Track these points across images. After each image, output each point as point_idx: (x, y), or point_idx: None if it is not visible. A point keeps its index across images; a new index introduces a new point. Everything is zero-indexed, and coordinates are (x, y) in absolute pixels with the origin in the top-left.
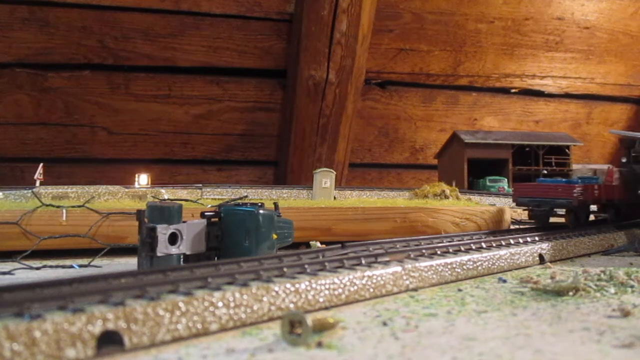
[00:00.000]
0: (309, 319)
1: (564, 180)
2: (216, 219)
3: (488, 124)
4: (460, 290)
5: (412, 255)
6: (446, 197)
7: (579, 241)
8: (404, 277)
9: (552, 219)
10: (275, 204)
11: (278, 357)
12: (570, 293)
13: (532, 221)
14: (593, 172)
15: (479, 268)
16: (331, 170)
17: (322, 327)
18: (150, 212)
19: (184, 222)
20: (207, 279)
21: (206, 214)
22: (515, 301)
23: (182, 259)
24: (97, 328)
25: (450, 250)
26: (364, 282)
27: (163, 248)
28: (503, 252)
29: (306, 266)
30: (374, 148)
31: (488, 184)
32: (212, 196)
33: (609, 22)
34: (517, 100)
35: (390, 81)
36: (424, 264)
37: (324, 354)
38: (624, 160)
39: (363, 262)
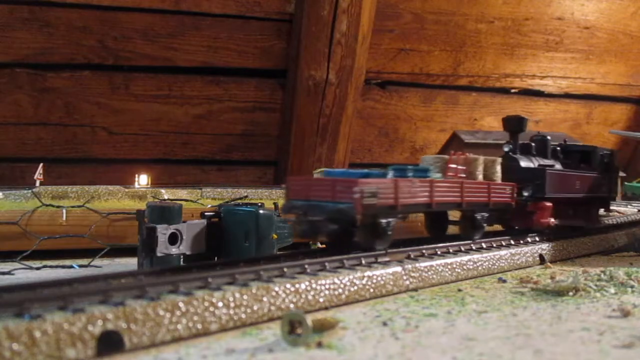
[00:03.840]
0: (309, 319)
1: (360, 171)
2: (216, 219)
3: (488, 124)
4: (460, 290)
5: (412, 255)
6: None
7: (579, 241)
8: (404, 277)
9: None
10: (275, 204)
11: (278, 357)
12: (570, 293)
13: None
14: (443, 162)
15: (479, 268)
16: None
17: (322, 327)
18: (150, 212)
19: (184, 222)
20: (207, 279)
21: (206, 214)
22: (515, 301)
23: (182, 259)
24: (97, 328)
25: (450, 250)
26: (364, 282)
27: (163, 248)
28: (503, 252)
29: (306, 266)
30: (374, 148)
31: None
32: (212, 196)
33: (609, 22)
34: (517, 100)
35: (390, 81)
36: (424, 264)
37: (324, 354)
38: (506, 149)
39: (363, 262)
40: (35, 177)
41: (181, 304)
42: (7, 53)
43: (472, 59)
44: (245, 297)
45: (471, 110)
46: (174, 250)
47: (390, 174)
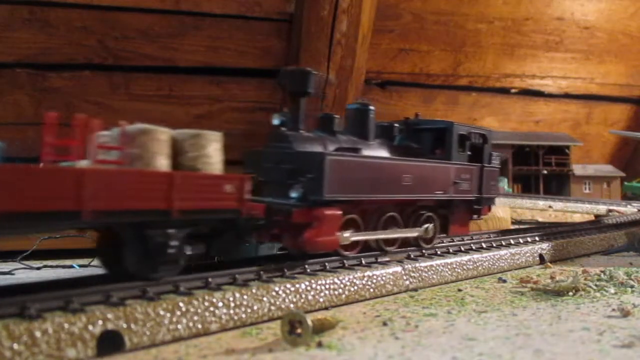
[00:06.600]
0: (309, 319)
1: None
2: None
3: (488, 124)
4: (460, 290)
5: (412, 255)
6: None
7: (579, 241)
8: (404, 277)
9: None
10: None
11: (278, 357)
12: (570, 293)
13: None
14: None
15: (479, 268)
16: None
17: (322, 327)
18: None
19: None
20: (207, 279)
21: None
22: (515, 301)
23: None
24: (97, 328)
25: (450, 250)
26: (364, 282)
27: None
28: (503, 252)
29: (306, 266)
30: None
31: None
32: None
33: (608, 22)
34: (517, 100)
35: (390, 81)
36: (424, 264)
37: (324, 354)
38: (276, 121)
39: (363, 262)
40: None
41: (181, 304)
42: (7, 53)
43: (472, 59)
44: (245, 297)
45: (471, 110)
46: None
47: None
